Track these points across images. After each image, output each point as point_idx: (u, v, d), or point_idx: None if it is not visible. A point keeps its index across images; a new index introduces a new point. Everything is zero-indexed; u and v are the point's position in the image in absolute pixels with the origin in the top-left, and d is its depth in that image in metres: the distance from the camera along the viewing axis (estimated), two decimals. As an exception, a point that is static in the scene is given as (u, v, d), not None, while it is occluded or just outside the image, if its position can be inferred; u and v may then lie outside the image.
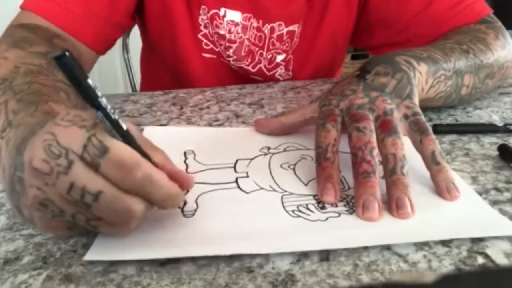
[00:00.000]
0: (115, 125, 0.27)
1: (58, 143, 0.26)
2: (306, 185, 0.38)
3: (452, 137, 0.48)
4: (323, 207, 0.34)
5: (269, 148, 0.44)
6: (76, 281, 0.27)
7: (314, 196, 0.36)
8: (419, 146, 0.37)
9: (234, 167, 0.41)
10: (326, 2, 0.69)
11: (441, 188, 0.35)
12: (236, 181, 0.39)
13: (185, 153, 0.44)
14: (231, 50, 0.70)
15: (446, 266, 0.28)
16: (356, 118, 0.37)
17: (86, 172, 0.26)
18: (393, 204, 0.33)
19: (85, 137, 0.26)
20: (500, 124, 0.48)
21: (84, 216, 0.27)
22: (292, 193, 0.37)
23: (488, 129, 0.48)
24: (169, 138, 0.47)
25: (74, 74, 0.26)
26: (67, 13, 0.57)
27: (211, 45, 0.71)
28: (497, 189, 0.37)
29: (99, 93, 0.26)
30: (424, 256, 0.29)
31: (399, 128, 0.37)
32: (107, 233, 0.30)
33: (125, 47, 1.14)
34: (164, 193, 0.28)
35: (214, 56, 0.72)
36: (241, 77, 0.73)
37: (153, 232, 0.31)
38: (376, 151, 0.35)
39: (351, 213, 0.34)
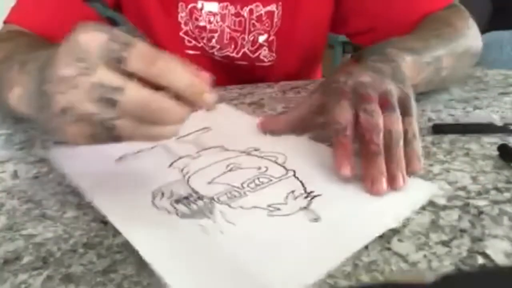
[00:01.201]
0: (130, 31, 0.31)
1: (80, 48, 0.28)
2: (209, 183, 0.37)
3: (452, 137, 0.48)
4: (188, 204, 0.34)
5: (255, 150, 0.43)
6: (76, 281, 0.27)
7: (198, 194, 0.36)
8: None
9: (204, 149, 0.43)
10: None
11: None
12: (179, 158, 0.41)
13: (200, 129, 0.47)
14: (213, 41, 0.71)
15: (446, 266, 0.28)
16: (364, 98, 0.40)
17: (109, 71, 0.28)
18: (390, 178, 0.36)
19: (107, 38, 0.28)
20: (500, 124, 0.48)
21: (107, 116, 0.29)
22: (192, 189, 0.37)
23: (488, 129, 0.48)
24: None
25: None
26: (52, 21, 0.59)
27: (194, 41, 0.72)
28: (497, 189, 0.37)
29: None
30: (424, 256, 0.29)
31: (397, 107, 0.40)
32: (127, 136, 0.30)
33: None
34: (186, 82, 0.30)
35: (198, 52, 0.73)
36: (227, 67, 0.74)
37: None
38: (382, 134, 0.37)
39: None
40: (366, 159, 0.37)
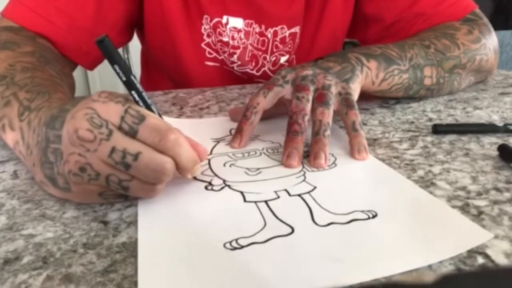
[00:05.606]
0: (143, 100, 0.33)
1: (98, 115, 0.30)
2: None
3: (452, 137, 0.48)
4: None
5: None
6: (76, 281, 0.27)
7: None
8: (344, 117, 0.44)
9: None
10: (325, 1, 0.70)
11: (353, 149, 0.42)
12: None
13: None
14: (235, 56, 0.70)
15: (446, 266, 0.28)
16: (298, 89, 0.45)
17: (125, 137, 0.30)
18: (312, 156, 0.41)
19: (122, 110, 0.31)
20: (500, 124, 0.48)
21: (117, 178, 0.31)
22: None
23: (488, 129, 0.48)
24: None
25: (113, 55, 0.32)
26: (51, 25, 0.58)
27: (214, 54, 0.71)
28: (497, 189, 0.37)
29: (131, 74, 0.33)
30: (424, 256, 0.29)
31: (332, 101, 0.44)
32: (135, 195, 0.33)
33: (125, 47, 1.14)
34: (188, 155, 0.33)
35: (217, 64, 0.72)
36: (245, 82, 0.74)
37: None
38: (307, 117, 0.43)
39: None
40: (288, 136, 0.42)
